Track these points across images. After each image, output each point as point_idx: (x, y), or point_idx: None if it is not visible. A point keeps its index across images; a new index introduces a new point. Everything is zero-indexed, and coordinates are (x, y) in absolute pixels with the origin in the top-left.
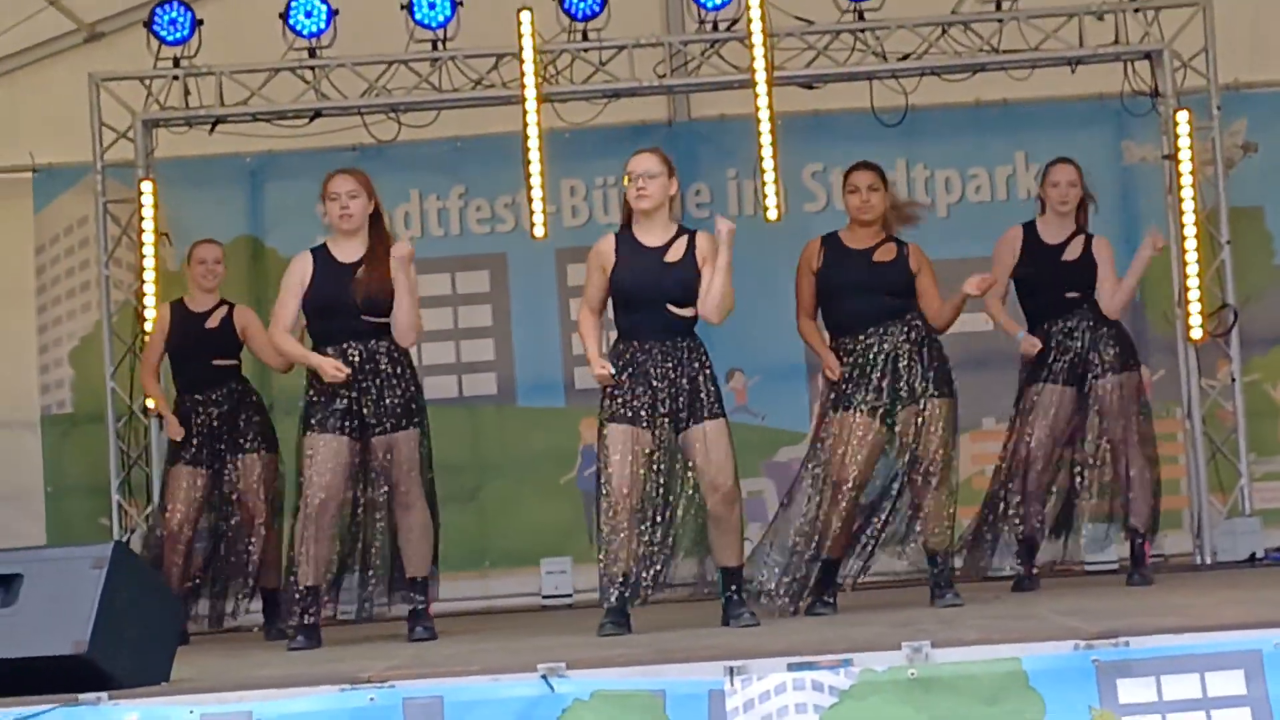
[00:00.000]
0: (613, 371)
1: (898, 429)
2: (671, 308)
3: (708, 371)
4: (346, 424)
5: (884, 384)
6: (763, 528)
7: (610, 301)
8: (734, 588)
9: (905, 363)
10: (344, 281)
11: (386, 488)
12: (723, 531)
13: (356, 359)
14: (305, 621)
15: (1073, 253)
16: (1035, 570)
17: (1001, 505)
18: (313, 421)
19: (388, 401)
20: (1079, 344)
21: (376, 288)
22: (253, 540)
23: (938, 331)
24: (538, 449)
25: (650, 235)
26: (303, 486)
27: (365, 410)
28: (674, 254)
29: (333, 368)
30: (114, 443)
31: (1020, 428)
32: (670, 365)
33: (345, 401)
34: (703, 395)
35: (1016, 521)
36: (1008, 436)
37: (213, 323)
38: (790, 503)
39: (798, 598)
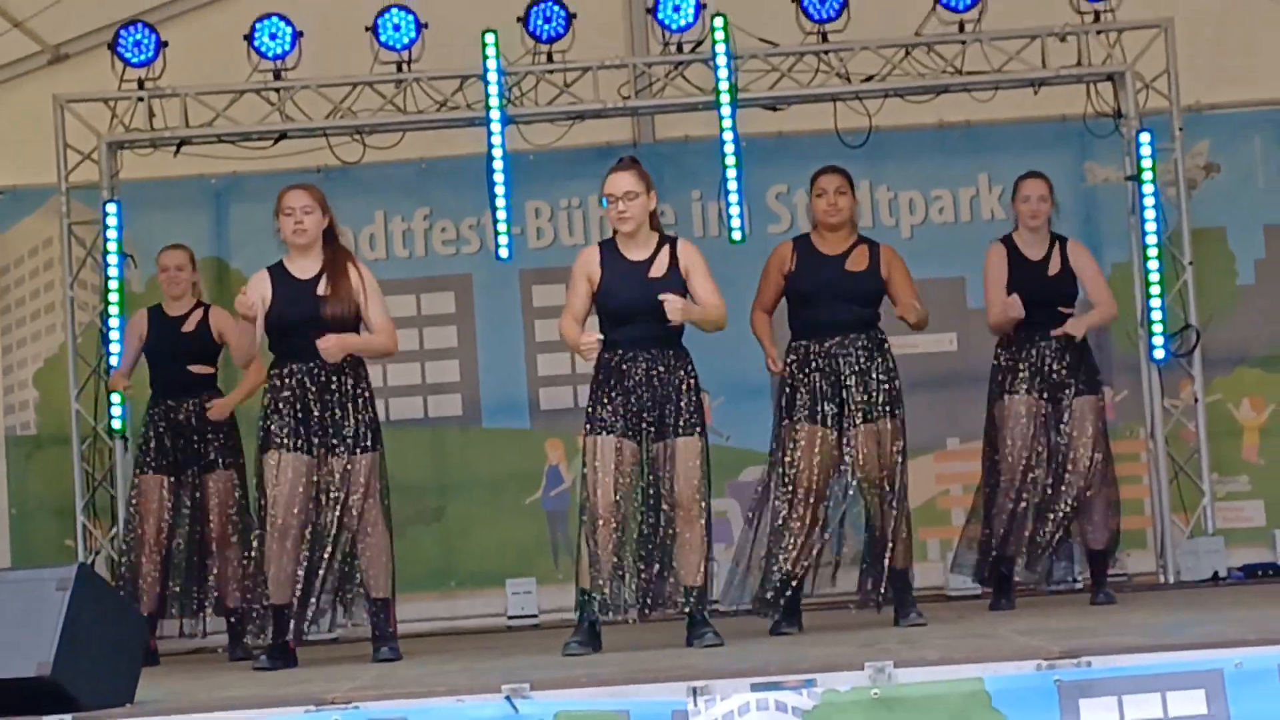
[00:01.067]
0: (599, 337)
1: (850, 445)
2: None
3: (690, 383)
4: (307, 441)
5: (841, 396)
6: (729, 547)
7: (596, 315)
8: (697, 607)
9: (863, 378)
10: (304, 298)
11: (346, 509)
12: (683, 549)
13: (322, 377)
14: (275, 641)
15: (1055, 266)
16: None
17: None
18: (272, 438)
19: (350, 422)
20: (1058, 361)
21: (343, 305)
22: (217, 558)
23: (913, 326)
24: (503, 470)
25: (634, 250)
26: (265, 504)
27: (326, 429)
28: (658, 269)
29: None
30: (79, 464)
31: (997, 442)
32: (656, 373)
33: (305, 418)
34: (681, 408)
35: (1000, 538)
36: (987, 451)
37: (189, 326)
38: (758, 521)
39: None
